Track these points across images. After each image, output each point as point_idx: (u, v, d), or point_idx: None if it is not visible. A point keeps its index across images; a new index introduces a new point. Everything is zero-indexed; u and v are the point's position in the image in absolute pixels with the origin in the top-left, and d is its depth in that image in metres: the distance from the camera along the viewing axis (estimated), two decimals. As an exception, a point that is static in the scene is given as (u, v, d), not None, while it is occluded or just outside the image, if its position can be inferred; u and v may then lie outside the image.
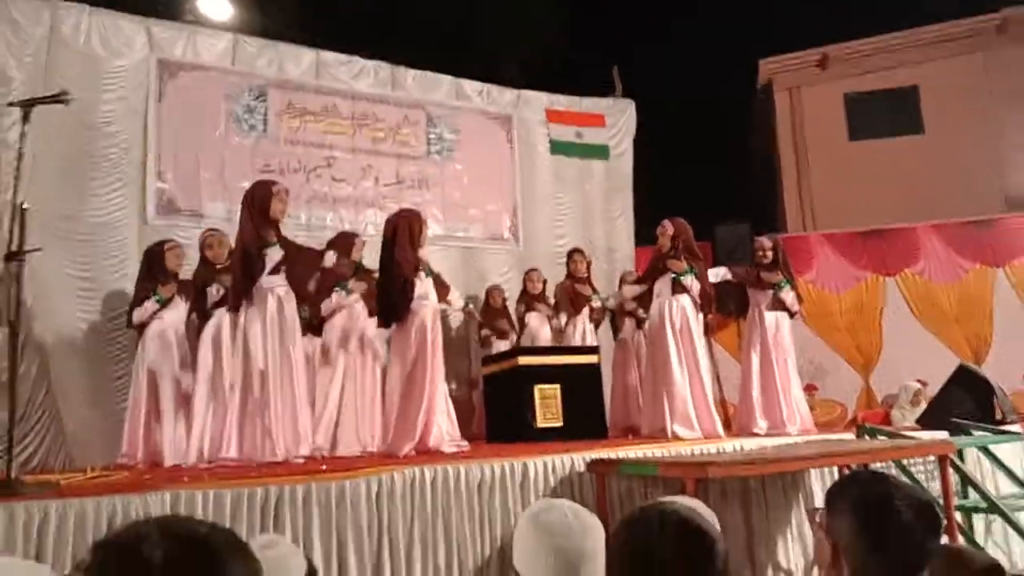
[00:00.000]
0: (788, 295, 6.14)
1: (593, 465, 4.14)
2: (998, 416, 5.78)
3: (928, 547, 1.61)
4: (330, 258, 4.91)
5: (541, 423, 5.65)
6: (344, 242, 5.73)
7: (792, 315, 6.24)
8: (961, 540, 4.40)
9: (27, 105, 3.50)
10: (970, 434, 5.41)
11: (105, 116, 6.38)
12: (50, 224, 5.89)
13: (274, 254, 4.59)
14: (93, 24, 6.45)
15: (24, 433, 5.48)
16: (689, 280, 5.81)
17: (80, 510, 2.81)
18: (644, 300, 6.29)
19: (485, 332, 7.32)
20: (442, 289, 5.41)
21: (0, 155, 5.70)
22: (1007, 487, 5.39)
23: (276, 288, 4.63)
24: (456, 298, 5.74)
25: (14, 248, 3.21)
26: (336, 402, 5.43)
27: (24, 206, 3.30)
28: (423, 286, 5.08)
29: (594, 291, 7.21)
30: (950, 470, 4.41)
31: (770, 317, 6.11)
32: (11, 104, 5.40)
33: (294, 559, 1.67)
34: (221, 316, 5.22)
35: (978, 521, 5.15)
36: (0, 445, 5.24)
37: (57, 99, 3.52)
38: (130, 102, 6.54)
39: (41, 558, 2.64)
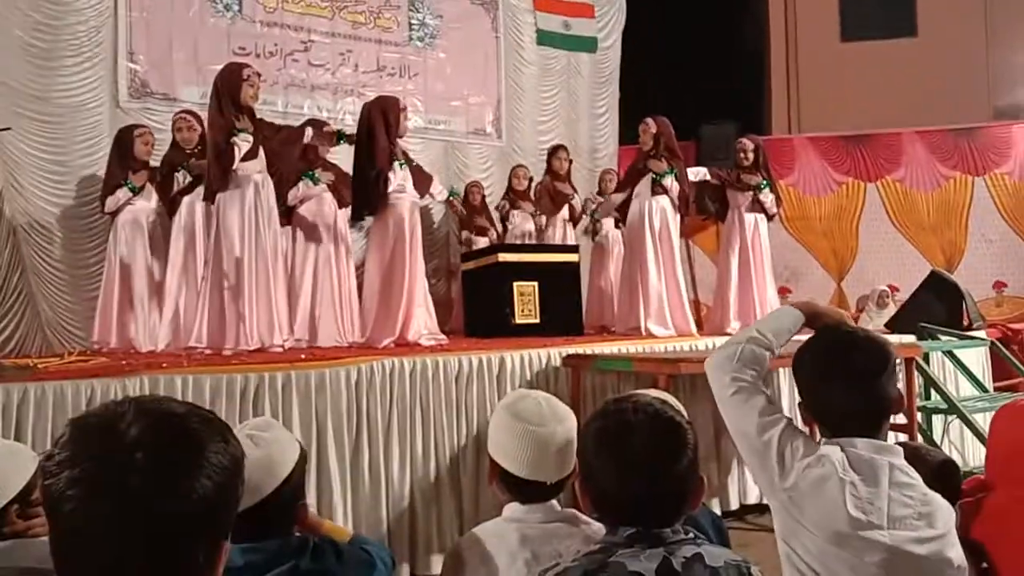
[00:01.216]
0: (767, 197, 6.16)
1: (569, 359, 4.22)
2: (966, 322, 5.92)
3: (885, 391, 1.62)
4: (308, 134, 4.80)
5: (519, 319, 5.71)
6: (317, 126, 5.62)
7: (770, 217, 6.27)
8: (920, 439, 4.57)
9: (-14, -26, 3.32)
10: (937, 338, 5.55)
11: (72, -11, 6.07)
12: (18, 104, 5.70)
13: (244, 140, 4.48)
14: None
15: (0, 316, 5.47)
16: (669, 181, 5.79)
17: (58, 392, 2.84)
18: (623, 202, 6.27)
19: (464, 230, 7.29)
20: (424, 180, 5.34)
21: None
22: (967, 390, 5.58)
23: (253, 175, 4.55)
24: (439, 190, 5.68)
25: (-20, 126, 3.10)
26: (310, 294, 5.42)
27: (-12, 82, 3.17)
28: (400, 177, 5.02)
29: (574, 190, 7.19)
30: (915, 372, 4.55)
31: (749, 219, 6.14)
32: (-31, -28, 5.18)
33: (289, 442, 1.72)
34: (192, 203, 5.15)
35: (937, 423, 5.35)
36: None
37: (18, -32, 3.34)
38: (98, -25, 6.22)
39: (20, 439, 2.67)
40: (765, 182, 6.17)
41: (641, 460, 1.35)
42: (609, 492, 1.39)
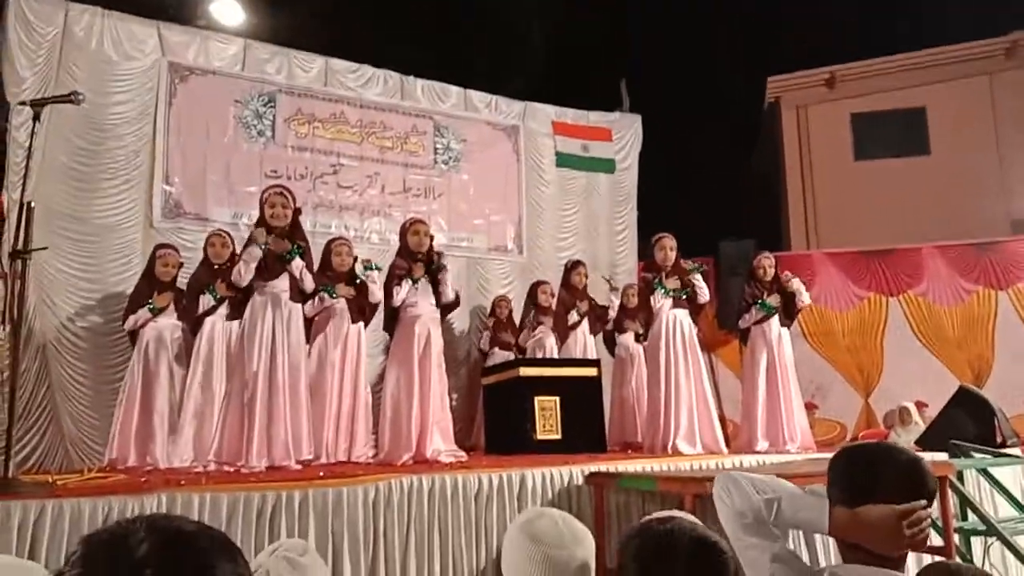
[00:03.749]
0: (800, 286, 6.10)
1: (592, 478, 4.12)
2: (999, 439, 5.75)
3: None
4: (296, 266, 4.73)
5: (540, 435, 5.63)
6: (328, 247, 5.79)
7: (796, 312, 6.22)
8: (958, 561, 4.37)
9: (38, 104, 3.52)
10: (970, 456, 5.38)
11: (114, 118, 6.41)
12: (56, 223, 5.93)
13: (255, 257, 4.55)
14: (106, 26, 6.49)
15: (23, 432, 5.49)
16: (700, 280, 5.88)
17: (75, 510, 2.81)
18: (646, 316, 6.28)
19: (488, 334, 7.31)
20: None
21: (10, 153, 5.74)
22: (1006, 510, 5.36)
23: (279, 292, 4.65)
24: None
25: (20, 246, 3.22)
26: (324, 408, 5.36)
27: (31, 204, 3.31)
28: (414, 293, 5.12)
29: (591, 305, 7.22)
30: (949, 492, 4.39)
31: (773, 333, 6.08)
32: (23, 103, 5.50)
33: (323, 568, 1.74)
34: (214, 322, 5.22)
35: (976, 544, 5.12)
36: (-1, 443, 5.28)
37: (68, 99, 3.54)
38: (139, 104, 6.57)
39: (35, 557, 2.63)
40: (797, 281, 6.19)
41: None
42: None
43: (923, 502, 1.50)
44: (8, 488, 2.91)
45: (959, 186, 11.96)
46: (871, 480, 1.54)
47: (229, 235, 5.61)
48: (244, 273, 4.52)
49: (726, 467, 4.79)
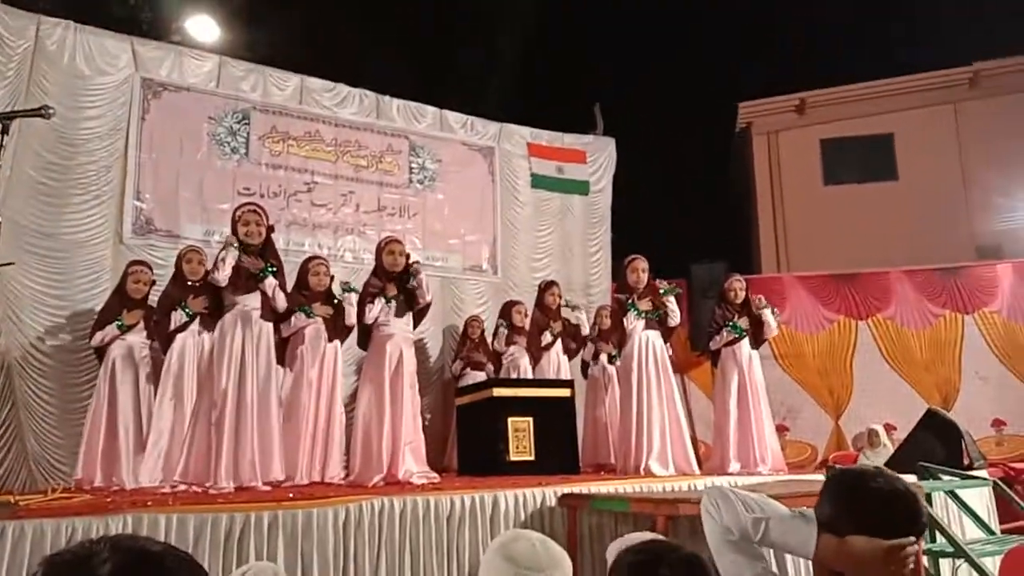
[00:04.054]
0: (770, 317, 6.15)
1: (564, 499, 4.11)
2: (966, 461, 5.83)
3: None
4: (269, 284, 4.65)
5: (513, 456, 5.61)
6: (305, 266, 5.76)
7: (761, 342, 6.26)
8: (927, 584, 4.41)
9: (7, 118, 3.47)
10: (938, 478, 5.44)
11: (85, 133, 6.34)
12: (24, 239, 5.83)
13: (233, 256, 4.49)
14: (78, 41, 6.44)
15: (-15, 451, 5.37)
16: (673, 303, 5.88)
17: (37, 531, 2.75)
18: (619, 337, 6.30)
19: (461, 362, 7.28)
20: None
21: (-24, 168, 5.64)
22: (973, 532, 5.42)
23: (250, 310, 4.59)
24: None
25: (-15, 262, 3.16)
26: (298, 428, 5.29)
27: (-2, 220, 3.26)
28: (385, 312, 5.10)
29: (564, 326, 7.23)
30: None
31: (743, 355, 6.13)
32: (-10, 117, 5.42)
33: None
34: (184, 342, 5.15)
35: (944, 566, 5.16)
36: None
37: (38, 113, 3.49)
38: (111, 120, 6.51)
39: (-5, 580, 2.57)
40: (769, 308, 6.22)
41: None
42: None
43: (912, 539, 1.48)
44: (-32, 509, 2.84)
45: (926, 211, 12.20)
46: (863, 511, 1.50)
47: (205, 253, 5.55)
48: (223, 271, 4.43)
49: (698, 488, 4.80)
